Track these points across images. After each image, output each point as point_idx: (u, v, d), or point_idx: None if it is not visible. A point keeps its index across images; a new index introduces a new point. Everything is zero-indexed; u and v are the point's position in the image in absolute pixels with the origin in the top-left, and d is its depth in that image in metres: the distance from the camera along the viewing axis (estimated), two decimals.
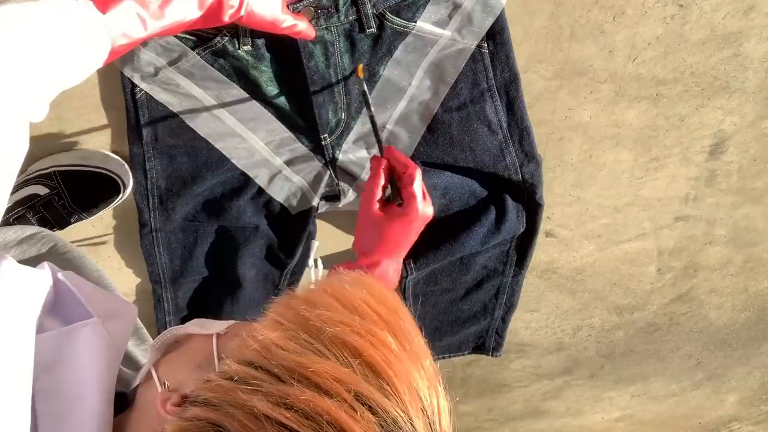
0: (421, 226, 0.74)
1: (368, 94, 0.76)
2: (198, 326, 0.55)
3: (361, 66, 0.78)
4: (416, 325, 0.47)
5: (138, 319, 0.81)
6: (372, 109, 0.75)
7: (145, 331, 0.83)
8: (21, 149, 0.49)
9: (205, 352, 0.51)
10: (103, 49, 0.54)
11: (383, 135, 0.89)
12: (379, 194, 0.72)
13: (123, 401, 0.55)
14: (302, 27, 0.70)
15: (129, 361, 0.77)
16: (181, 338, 0.56)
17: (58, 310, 0.54)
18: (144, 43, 0.77)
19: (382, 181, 0.72)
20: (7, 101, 0.47)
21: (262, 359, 0.41)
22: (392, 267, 0.74)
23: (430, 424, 0.42)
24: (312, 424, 0.37)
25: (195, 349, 0.53)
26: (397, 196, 0.74)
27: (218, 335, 0.52)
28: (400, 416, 0.40)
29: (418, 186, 0.71)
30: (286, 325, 0.42)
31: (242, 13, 0.61)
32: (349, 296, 0.44)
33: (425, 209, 0.72)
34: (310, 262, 0.92)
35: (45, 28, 0.49)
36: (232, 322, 0.55)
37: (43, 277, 0.53)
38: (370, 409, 0.39)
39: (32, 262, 0.73)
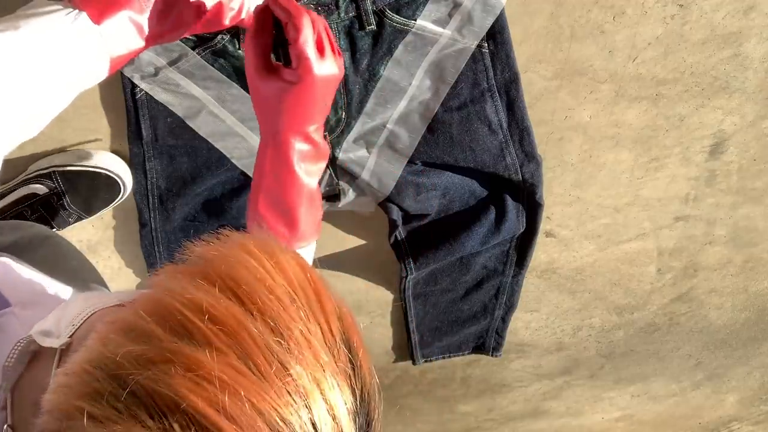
0: (331, 87, 0.57)
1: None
2: (55, 322, 0.46)
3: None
4: (324, 297, 0.37)
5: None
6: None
7: None
8: None
9: (46, 380, 0.41)
10: (100, 61, 0.53)
11: (383, 135, 0.89)
12: (260, 54, 0.56)
13: None
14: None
15: None
16: (36, 349, 0.47)
17: None
18: None
19: (262, 39, 0.56)
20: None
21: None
22: (301, 139, 0.59)
23: None
24: None
25: (40, 372, 0.44)
26: (283, 55, 0.58)
27: (62, 352, 0.43)
28: None
29: (307, 39, 0.53)
30: (93, 374, 0.33)
31: (243, 15, 0.60)
32: (173, 308, 0.34)
33: (324, 68, 0.55)
34: None
35: (36, 40, 0.49)
36: (89, 314, 0.46)
37: None
38: None
39: (23, 248, 0.72)
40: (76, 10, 0.51)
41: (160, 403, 0.31)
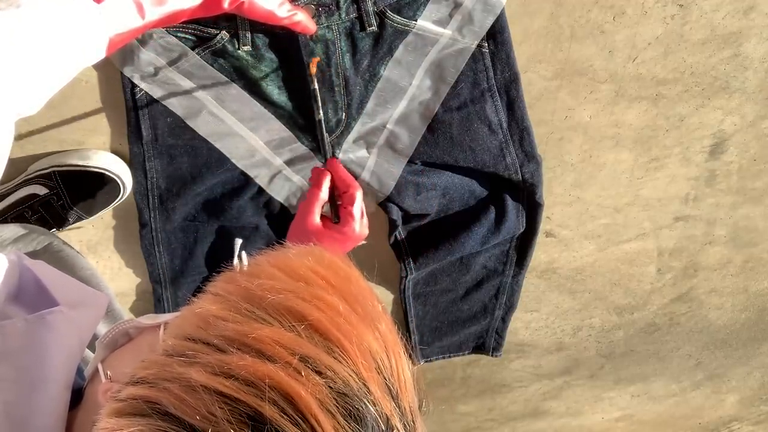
0: (354, 246, 0.73)
1: (318, 94, 0.73)
2: (150, 319, 0.54)
3: (315, 61, 0.76)
4: (371, 292, 0.46)
5: (119, 306, 0.81)
6: (320, 111, 0.74)
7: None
8: (7, 144, 0.49)
9: (152, 341, 0.49)
10: (99, 40, 0.53)
11: (383, 135, 0.89)
12: (318, 208, 0.71)
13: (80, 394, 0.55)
14: (302, 19, 0.69)
15: None
16: (132, 332, 0.54)
17: (24, 298, 0.54)
18: (144, 42, 0.77)
19: (323, 195, 0.71)
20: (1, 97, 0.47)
21: (200, 332, 0.39)
22: None
23: (387, 384, 0.40)
24: (253, 390, 0.35)
25: (143, 340, 0.52)
26: (334, 214, 0.72)
27: (166, 324, 0.50)
28: (351, 376, 0.37)
29: (357, 208, 0.70)
30: (227, 297, 0.41)
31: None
32: (294, 265, 0.42)
33: (362, 231, 0.71)
34: (236, 260, 0.91)
35: (36, 18, 0.49)
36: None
37: (7, 263, 0.52)
38: (317, 371, 0.37)
39: None
40: None
41: (290, 317, 0.38)
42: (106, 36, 0.54)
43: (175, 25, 0.67)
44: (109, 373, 0.49)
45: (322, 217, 0.72)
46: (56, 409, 0.48)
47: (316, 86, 0.73)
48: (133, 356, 0.51)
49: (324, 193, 0.70)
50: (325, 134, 0.74)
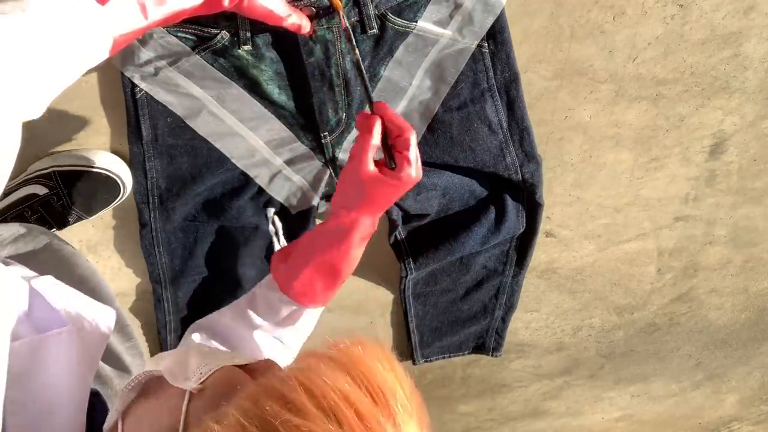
0: (408, 189, 0.70)
1: (352, 34, 0.69)
2: (178, 365, 0.52)
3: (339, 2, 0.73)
4: (419, 401, 0.43)
5: (124, 315, 0.81)
6: (358, 52, 0.69)
7: (131, 328, 0.83)
8: (14, 148, 0.48)
9: (171, 415, 0.47)
10: (104, 41, 0.53)
11: None
12: (371, 154, 0.67)
13: (97, 407, 0.54)
14: (301, 21, 0.70)
15: (113, 358, 0.77)
16: (156, 380, 0.53)
17: (32, 317, 0.53)
18: (144, 42, 0.77)
19: (375, 140, 0.67)
20: (4, 98, 0.47)
21: None
22: (369, 221, 0.70)
23: None
24: None
25: (163, 406, 0.50)
26: (389, 158, 0.69)
27: (192, 395, 0.48)
28: None
29: (413, 151, 0.67)
30: (248, 429, 0.39)
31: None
32: (324, 391, 0.39)
33: (417, 174, 0.68)
34: (271, 228, 0.92)
35: (42, 21, 0.49)
36: (215, 367, 0.51)
37: (19, 283, 0.52)
38: None
39: (26, 258, 0.73)
40: None
41: None
42: (110, 37, 0.54)
43: (176, 24, 0.67)
44: None
45: (376, 162, 0.69)
46: None
47: (347, 24, 0.69)
48: (149, 424, 0.49)
49: (376, 139, 0.66)
50: (365, 75, 0.69)
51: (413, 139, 0.67)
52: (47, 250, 0.77)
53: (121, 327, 0.82)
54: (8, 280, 0.50)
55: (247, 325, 0.72)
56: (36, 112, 0.52)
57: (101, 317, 0.57)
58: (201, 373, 0.50)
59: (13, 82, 0.48)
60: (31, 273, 0.56)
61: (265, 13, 0.65)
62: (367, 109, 0.69)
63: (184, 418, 0.46)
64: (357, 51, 0.69)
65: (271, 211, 0.93)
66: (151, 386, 0.52)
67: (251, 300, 0.73)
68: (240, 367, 0.52)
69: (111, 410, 0.52)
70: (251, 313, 0.72)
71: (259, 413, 0.39)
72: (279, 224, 0.94)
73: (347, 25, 0.69)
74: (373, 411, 0.39)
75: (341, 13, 0.69)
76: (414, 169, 0.67)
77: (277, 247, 0.95)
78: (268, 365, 0.54)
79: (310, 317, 0.76)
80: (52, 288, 0.55)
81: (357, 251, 0.70)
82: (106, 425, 0.51)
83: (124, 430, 0.49)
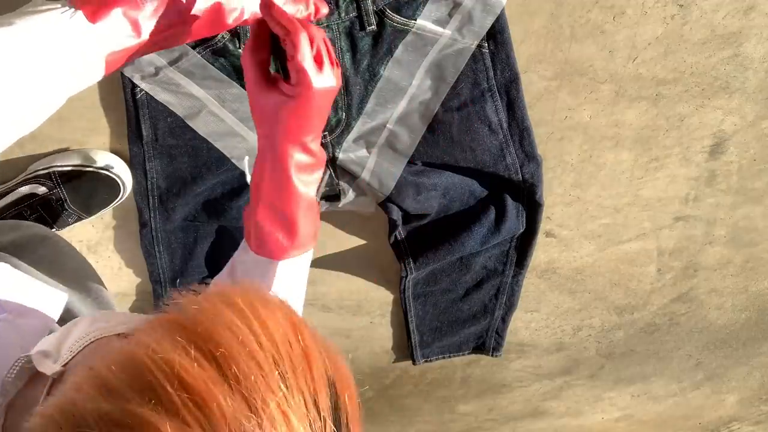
0: (329, 99, 0.58)
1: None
2: (58, 340, 0.46)
3: None
4: (304, 356, 0.35)
5: (108, 295, 0.79)
6: None
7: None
8: None
9: (33, 404, 0.41)
10: (95, 60, 0.53)
11: (383, 134, 0.89)
12: (258, 68, 0.56)
13: None
14: (314, 7, 0.64)
15: None
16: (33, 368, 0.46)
17: None
18: None
19: (258, 51, 0.56)
20: None
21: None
22: (296, 149, 0.59)
23: None
24: None
25: (31, 397, 0.44)
26: (282, 70, 0.58)
27: (54, 381, 0.43)
28: None
29: (305, 54, 0.53)
30: (60, 425, 0.32)
31: (246, 16, 0.59)
32: (145, 366, 0.32)
33: (322, 81, 0.55)
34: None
35: (29, 37, 0.49)
36: (90, 341, 0.45)
37: None
38: None
39: (20, 252, 0.72)
40: (72, 9, 0.51)
41: None
42: (101, 55, 0.53)
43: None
44: None
45: (274, 74, 0.58)
46: None
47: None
48: (24, 413, 0.43)
49: (258, 47, 0.56)
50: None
51: (303, 39, 0.54)
52: (43, 245, 0.76)
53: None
54: None
55: None
56: (27, 130, 0.51)
57: (46, 304, 0.54)
58: (71, 351, 0.44)
59: (6, 90, 0.47)
60: None
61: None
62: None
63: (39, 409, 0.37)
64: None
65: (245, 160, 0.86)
66: (38, 372, 0.46)
67: (231, 269, 0.68)
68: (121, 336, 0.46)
69: None
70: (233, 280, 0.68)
71: (75, 401, 0.33)
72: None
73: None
74: (204, 378, 0.32)
75: None
76: (313, 75, 0.54)
77: None
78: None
79: (293, 269, 0.66)
80: (7, 274, 0.54)
81: (300, 186, 0.60)
82: None
83: (6, 423, 0.44)
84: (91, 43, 0.52)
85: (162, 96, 0.81)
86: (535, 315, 1.28)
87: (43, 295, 0.56)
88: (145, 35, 0.54)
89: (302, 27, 0.54)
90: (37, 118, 0.52)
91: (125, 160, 0.88)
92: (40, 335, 0.52)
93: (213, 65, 0.80)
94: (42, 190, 0.86)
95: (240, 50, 0.79)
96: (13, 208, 0.87)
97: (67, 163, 0.86)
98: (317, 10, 0.62)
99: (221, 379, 0.32)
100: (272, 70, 0.59)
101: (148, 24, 0.54)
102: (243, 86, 0.82)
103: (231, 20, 0.58)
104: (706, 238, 1.21)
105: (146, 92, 0.81)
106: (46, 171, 0.86)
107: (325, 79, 0.55)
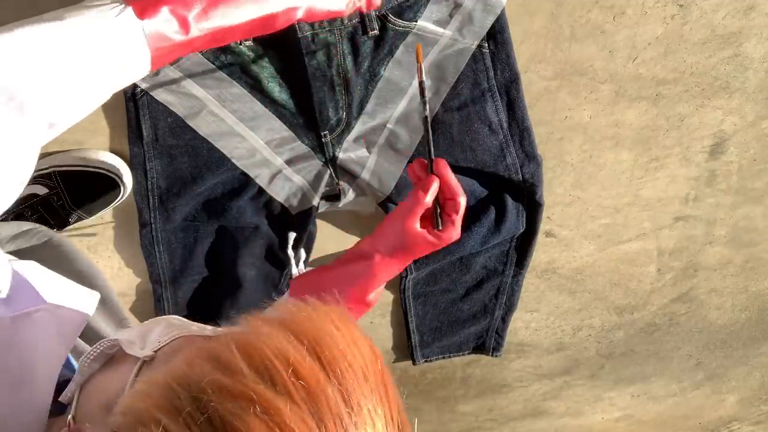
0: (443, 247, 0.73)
1: (425, 85, 0.68)
2: (140, 335, 0.50)
3: (419, 48, 0.70)
4: (379, 370, 0.39)
5: (122, 310, 0.81)
6: (427, 108, 0.68)
7: (129, 322, 0.83)
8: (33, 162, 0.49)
9: (120, 383, 0.45)
10: (142, 56, 0.53)
11: (383, 134, 0.89)
12: (420, 213, 0.68)
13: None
14: (362, 1, 0.67)
15: None
16: (120, 352, 0.50)
17: (13, 299, 0.53)
18: None
19: (429, 200, 0.68)
20: (38, 105, 0.47)
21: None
22: (398, 267, 0.73)
23: None
24: None
25: (116, 375, 0.48)
26: (436, 218, 0.70)
27: (144, 362, 0.46)
28: None
29: (460, 217, 0.69)
30: (176, 391, 0.36)
31: (300, 15, 0.59)
32: (261, 350, 0.36)
33: (458, 235, 0.71)
34: (290, 252, 0.93)
35: (79, 31, 0.49)
36: (175, 336, 0.49)
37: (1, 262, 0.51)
38: None
39: (26, 254, 0.73)
40: (122, 5, 0.51)
41: None
42: (148, 51, 0.53)
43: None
44: (71, 419, 0.46)
45: (420, 219, 0.70)
46: (37, 410, 0.47)
47: (424, 79, 0.68)
48: (99, 393, 0.48)
49: (430, 199, 0.68)
50: (430, 130, 0.69)
51: (463, 204, 0.69)
52: (47, 247, 0.77)
53: (119, 320, 0.82)
54: None
55: None
56: (68, 123, 0.52)
57: (82, 300, 0.57)
58: (159, 342, 0.48)
59: (48, 90, 0.48)
60: (13, 258, 0.55)
61: (325, 15, 0.63)
62: (424, 157, 0.70)
63: (130, 385, 0.43)
64: (427, 107, 0.68)
65: (292, 236, 0.93)
66: (115, 358, 0.51)
67: None
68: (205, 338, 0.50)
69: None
70: None
71: (189, 374, 0.36)
72: (303, 254, 0.96)
73: (424, 79, 0.68)
74: (315, 371, 0.36)
75: (421, 65, 0.68)
76: (456, 231, 0.69)
77: (294, 271, 0.96)
78: None
79: None
80: (33, 270, 0.55)
81: (379, 290, 0.73)
82: (63, 395, 0.50)
83: (78, 401, 0.48)
84: (138, 39, 0.52)
85: (162, 96, 0.81)
86: (535, 315, 1.28)
87: (75, 291, 0.58)
88: (194, 33, 0.55)
89: (463, 193, 0.69)
90: (82, 111, 0.53)
91: (125, 160, 0.88)
92: (78, 326, 0.55)
93: (213, 63, 0.80)
94: (43, 190, 0.86)
95: (241, 47, 0.79)
96: (14, 209, 0.87)
97: (67, 164, 0.86)
98: (369, 3, 0.67)
99: (327, 376, 0.36)
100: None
101: (196, 22, 0.54)
102: (243, 86, 0.82)
103: (281, 22, 0.59)
104: (706, 238, 1.21)
105: (146, 92, 0.81)
106: (46, 171, 0.86)
107: (458, 234, 0.70)
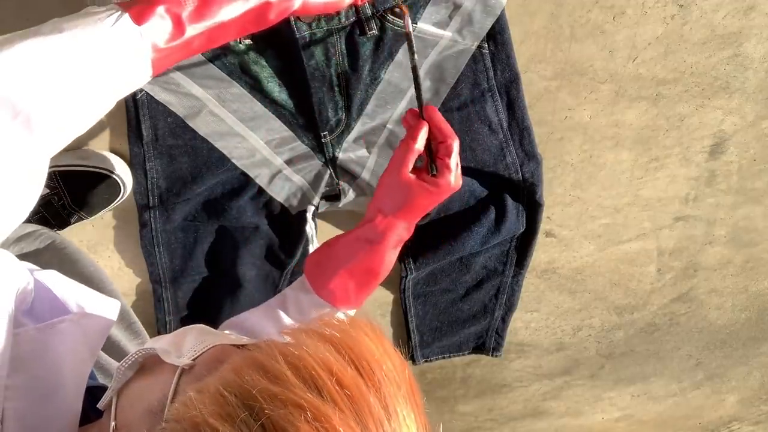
0: (446, 197, 0.71)
1: (412, 36, 0.68)
2: (174, 344, 0.53)
3: (402, 4, 0.71)
4: (409, 378, 0.42)
5: (131, 312, 0.82)
6: (415, 57, 0.68)
7: (139, 325, 0.83)
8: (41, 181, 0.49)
9: (161, 391, 0.47)
10: (142, 62, 0.53)
11: (383, 134, 0.89)
12: (412, 160, 0.68)
13: (96, 397, 0.54)
14: None
15: (122, 354, 0.77)
16: (155, 359, 0.52)
17: (36, 309, 0.54)
18: None
19: (419, 146, 0.67)
20: (42, 131, 0.48)
21: None
22: (405, 226, 0.71)
23: None
24: None
25: (155, 383, 0.50)
26: (430, 164, 0.69)
27: (183, 371, 0.48)
28: None
29: (455, 159, 0.67)
30: (227, 399, 0.38)
31: (295, 7, 0.59)
32: (305, 361, 0.39)
33: (456, 182, 0.69)
34: (308, 229, 0.92)
35: (80, 43, 0.49)
36: (210, 346, 0.51)
37: (22, 271, 0.52)
38: None
39: (30, 257, 0.73)
40: (119, 12, 0.51)
41: None
42: (148, 57, 0.53)
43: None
44: (114, 424, 0.48)
45: (416, 168, 0.69)
46: (68, 418, 0.48)
47: (410, 26, 0.68)
48: (140, 399, 0.49)
49: (420, 144, 0.67)
50: (420, 82, 0.68)
51: (456, 147, 0.67)
52: (51, 249, 0.77)
53: (128, 324, 0.82)
54: (8, 262, 0.50)
55: (276, 325, 0.72)
56: (74, 134, 0.52)
57: (104, 308, 0.58)
58: (195, 351, 0.50)
59: (52, 103, 0.48)
60: (35, 267, 0.56)
61: (321, 8, 0.63)
62: (416, 107, 0.69)
63: (173, 393, 0.46)
64: (415, 56, 0.68)
65: (311, 209, 0.92)
66: (148, 366, 0.52)
67: (282, 301, 0.73)
68: (239, 347, 0.52)
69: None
70: (281, 313, 0.72)
71: (239, 383, 0.39)
72: (314, 226, 0.94)
73: (410, 30, 0.68)
74: (356, 380, 0.39)
75: (407, 17, 0.68)
76: (454, 176, 0.68)
77: (311, 248, 0.95)
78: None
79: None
80: (55, 279, 0.56)
81: (391, 255, 0.71)
82: (101, 402, 0.52)
83: (117, 408, 0.49)
84: (137, 44, 0.52)
85: (162, 96, 0.81)
86: (535, 315, 1.28)
87: (96, 299, 0.59)
88: (189, 32, 0.55)
89: (456, 136, 0.67)
90: (87, 121, 0.53)
91: (125, 160, 0.88)
92: (102, 335, 0.56)
93: (213, 63, 0.80)
94: (43, 190, 0.86)
95: (240, 46, 0.79)
96: None
97: (67, 163, 0.86)
98: None
99: (366, 384, 0.39)
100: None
101: (190, 21, 0.54)
102: (243, 85, 0.82)
103: (275, 15, 0.59)
104: (706, 238, 1.21)
105: (146, 92, 0.81)
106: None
107: (457, 181, 0.68)
